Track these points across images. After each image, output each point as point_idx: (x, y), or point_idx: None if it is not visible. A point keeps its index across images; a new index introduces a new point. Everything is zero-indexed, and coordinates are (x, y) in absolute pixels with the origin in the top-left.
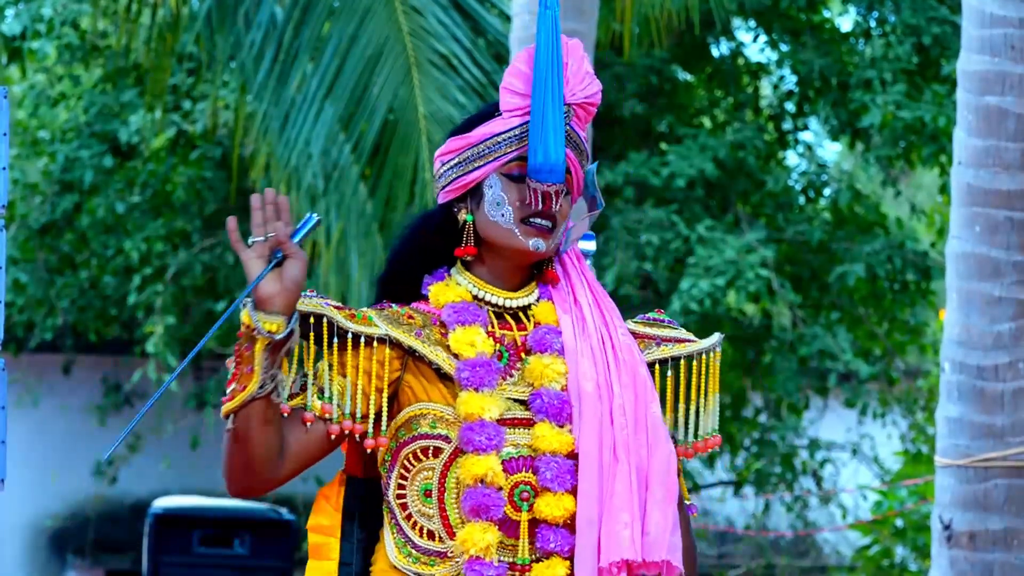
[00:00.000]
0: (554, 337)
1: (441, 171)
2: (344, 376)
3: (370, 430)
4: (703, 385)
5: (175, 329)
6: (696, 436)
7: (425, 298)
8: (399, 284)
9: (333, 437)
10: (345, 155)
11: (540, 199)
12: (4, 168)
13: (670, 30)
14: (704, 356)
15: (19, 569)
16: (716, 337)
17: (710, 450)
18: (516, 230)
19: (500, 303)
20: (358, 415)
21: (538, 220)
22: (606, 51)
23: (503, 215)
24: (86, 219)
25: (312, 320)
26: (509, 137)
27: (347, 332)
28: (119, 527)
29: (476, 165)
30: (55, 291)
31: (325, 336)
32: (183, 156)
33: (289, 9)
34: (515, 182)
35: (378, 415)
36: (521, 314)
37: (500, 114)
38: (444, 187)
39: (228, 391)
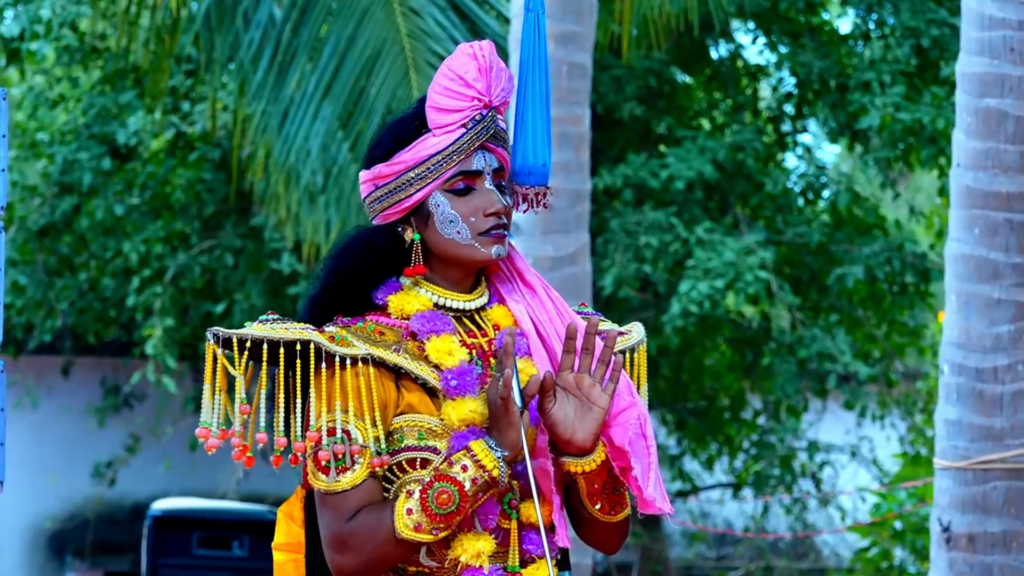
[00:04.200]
0: (519, 339)
1: (377, 195)
2: (359, 415)
3: (383, 449)
4: (641, 375)
5: (174, 331)
6: None
7: (378, 308)
8: (345, 302)
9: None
10: (343, 153)
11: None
12: (3, 170)
13: (669, 32)
14: (640, 347)
15: (18, 570)
16: (640, 327)
17: None
18: (476, 244)
19: (461, 307)
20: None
21: (496, 230)
22: (605, 53)
23: (459, 232)
24: (85, 221)
25: (299, 347)
26: (448, 155)
27: (334, 356)
28: (118, 529)
29: (418, 187)
30: (54, 293)
31: (312, 362)
32: (182, 158)
33: (287, 9)
34: (462, 196)
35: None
36: (477, 317)
37: (428, 131)
38: (383, 210)
39: (429, 525)
